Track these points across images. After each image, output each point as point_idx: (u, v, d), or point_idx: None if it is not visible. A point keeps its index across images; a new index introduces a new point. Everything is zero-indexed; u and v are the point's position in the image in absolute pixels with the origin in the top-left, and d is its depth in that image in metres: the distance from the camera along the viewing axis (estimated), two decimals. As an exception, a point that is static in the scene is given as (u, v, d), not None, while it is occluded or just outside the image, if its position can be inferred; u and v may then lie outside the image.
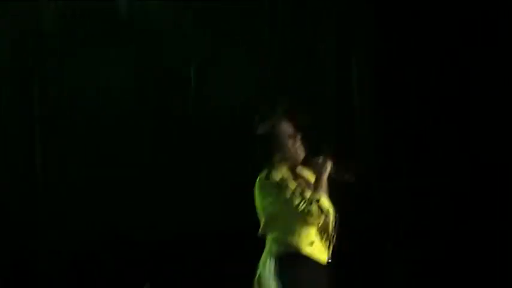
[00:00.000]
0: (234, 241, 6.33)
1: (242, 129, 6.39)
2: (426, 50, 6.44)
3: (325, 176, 4.08)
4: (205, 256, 6.46)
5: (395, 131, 6.42)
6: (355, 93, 6.59)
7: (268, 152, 4.12)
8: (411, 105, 6.47)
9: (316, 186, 4.05)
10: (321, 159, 4.13)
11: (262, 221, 4.08)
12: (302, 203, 3.93)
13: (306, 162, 4.18)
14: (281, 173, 4.05)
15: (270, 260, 4.00)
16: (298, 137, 4.17)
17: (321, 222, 3.98)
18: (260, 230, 4.10)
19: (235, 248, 6.30)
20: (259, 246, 3.98)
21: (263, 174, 4.05)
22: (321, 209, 3.95)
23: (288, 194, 3.96)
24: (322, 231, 4.04)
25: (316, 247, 4.01)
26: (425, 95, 6.43)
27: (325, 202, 4.00)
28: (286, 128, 4.17)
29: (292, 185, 4.03)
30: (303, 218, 3.93)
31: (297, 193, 3.97)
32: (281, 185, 3.98)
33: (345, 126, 6.49)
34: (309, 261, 4.00)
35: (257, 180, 4.07)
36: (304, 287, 3.97)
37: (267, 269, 3.99)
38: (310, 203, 3.94)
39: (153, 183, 6.65)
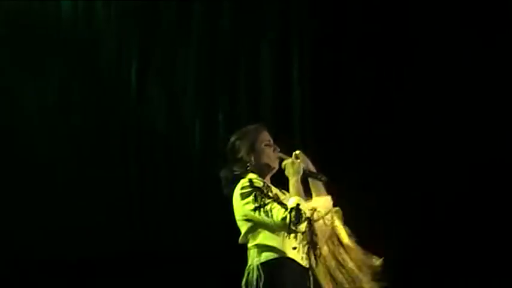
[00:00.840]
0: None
1: (183, 136, 6.53)
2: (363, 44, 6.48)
3: (299, 178, 4.03)
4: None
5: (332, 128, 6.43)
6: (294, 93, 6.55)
7: (246, 159, 4.06)
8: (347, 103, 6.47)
9: (292, 192, 3.98)
10: (292, 161, 4.08)
11: (244, 228, 4.01)
12: (284, 212, 3.85)
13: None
14: (261, 181, 3.99)
15: (255, 266, 3.94)
16: (276, 147, 4.14)
17: (302, 229, 3.89)
18: (240, 238, 4.04)
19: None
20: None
21: (245, 181, 3.98)
22: (301, 214, 3.85)
23: (270, 205, 3.89)
24: (303, 235, 3.96)
25: (298, 252, 3.95)
26: (362, 92, 6.48)
27: (305, 207, 3.92)
28: (266, 136, 4.14)
29: (273, 192, 3.99)
30: (286, 227, 3.85)
31: (279, 201, 3.91)
32: (263, 193, 3.92)
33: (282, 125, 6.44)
34: (293, 266, 3.95)
35: (239, 187, 3.99)
36: (298, 286, 3.93)
37: (253, 276, 3.92)
38: (291, 211, 3.84)
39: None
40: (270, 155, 4.12)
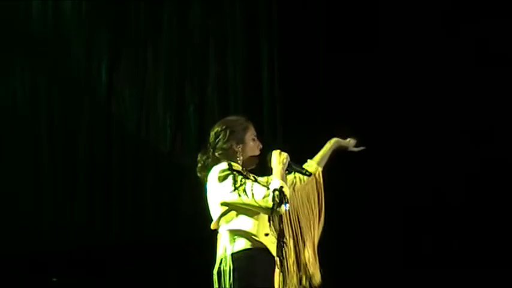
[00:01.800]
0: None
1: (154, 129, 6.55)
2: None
3: (284, 167, 4.05)
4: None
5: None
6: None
7: (235, 149, 4.08)
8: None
9: (277, 176, 4.00)
10: (278, 153, 4.10)
11: (218, 213, 4.01)
12: (266, 189, 3.88)
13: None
14: (239, 166, 4.03)
15: (227, 252, 3.94)
16: (259, 143, 4.17)
17: (283, 211, 3.92)
18: (213, 223, 4.04)
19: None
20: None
21: (223, 165, 3.98)
22: (285, 196, 3.89)
23: (251, 184, 3.92)
24: (274, 223, 3.99)
25: (270, 238, 3.98)
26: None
27: (287, 190, 3.95)
28: (253, 129, 4.16)
29: (252, 178, 4.03)
30: (266, 208, 3.88)
31: (260, 184, 3.95)
32: (242, 175, 3.94)
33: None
34: (264, 255, 3.97)
35: (216, 170, 3.99)
36: (262, 277, 3.94)
37: (226, 262, 3.93)
38: (274, 191, 3.88)
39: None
40: (254, 149, 4.14)
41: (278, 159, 4.07)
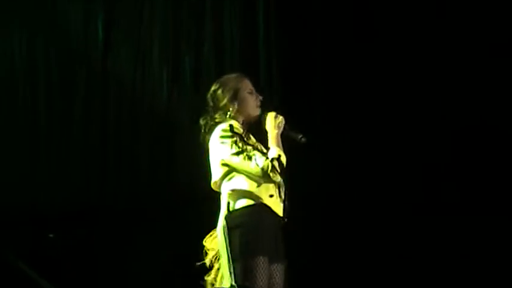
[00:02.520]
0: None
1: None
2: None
3: (279, 132, 4.05)
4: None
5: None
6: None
7: (228, 107, 4.07)
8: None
9: (273, 142, 4.00)
10: (274, 116, 4.09)
11: (219, 173, 4.00)
12: (265, 159, 3.88)
13: (257, 121, 4.15)
14: (241, 128, 4.01)
15: (230, 209, 3.94)
16: (258, 96, 4.16)
17: (280, 179, 3.94)
18: (213, 183, 4.03)
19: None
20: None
21: (225, 126, 3.98)
22: (282, 165, 3.90)
23: (249, 151, 3.92)
24: (279, 185, 4.00)
25: (275, 200, 3.97)
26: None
27: (284, 158, 3.95)
28: (248, 84, 4.15)
29: (252, 141, 4.03)
30: (264, 177, 3.88)
31: (258, 151, 3.95)
32: (243, 140, 3.94)
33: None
34: (268, 213, 3.95)
35: (218, 131, 3.98)
36: (266, 237, 3.92)
37: (228, 222, 3.91)
38: (272, 160, 3.89)
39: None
40: (252, 103, 4.13)
41: (273, 123, 4.06)
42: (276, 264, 3.97)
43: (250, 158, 3.88)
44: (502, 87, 6.14)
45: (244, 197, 3.94)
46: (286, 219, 4.02)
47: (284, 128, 4.08)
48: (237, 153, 3.90)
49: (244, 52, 6.58)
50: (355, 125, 6.31)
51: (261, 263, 3.85)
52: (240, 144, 3.92)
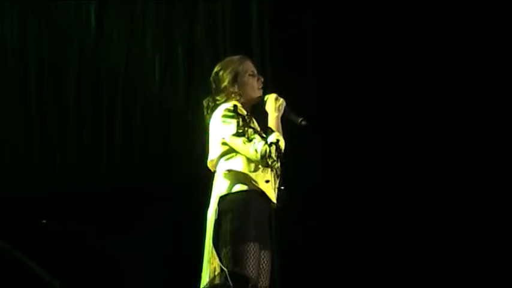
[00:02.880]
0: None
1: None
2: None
3: (279, 115, 4.00)
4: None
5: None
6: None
7: (230, 88, 4.03)
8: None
9: (273, 125, 3.96)
10: (276, 96, 4.05)
11: (218, 151, 3.95)
12: (263, 144, 3.84)
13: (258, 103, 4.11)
14: (244, 110, 3.97)
15: (223, 193, 3.89)
16: (260, 78, 4.12)
17: (278, 164, 3.91)
18: (210, 161, 3.99)
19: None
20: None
21: (229, 106, 3.93)
22: (279, 149, 3.87)
23: (250, 134, 3.87)
24: (276, 172, 3.97)
25: (270, 186, 3.94)
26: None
27: (283, 143, 3.92)
28: (249, 66, 4.12)
29: (254, 124, 3.98)
30: (262, 162, 3.85)
31: (259, 133, 3.91)
32: (245, 122, 3.89)
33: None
34: (262, 199, 3.92)
35: (221, 109, 3.94)
36: (258, 224, 3.88)
37: (220, 205, 3.87)
38: (270, 145, 3.84)
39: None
40: (254, 85, 4.09)
41: (274, 105, 4.02)
42: (266, 251, 3.94)
43: (250, 141, 3.85)
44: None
45: (239, 180, 3.90)
46: (278, 205, 4.00)
47: (285, 110, 4.04)
48: (238, 135, 3.86)
49: (237, 36, 6.54)
50: (349, 105, 6.28)
51: (251, 249, 3.82)
52: (242, 126, 3.88)
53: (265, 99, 4.08)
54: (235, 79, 4.06)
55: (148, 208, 6.29)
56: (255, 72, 4.13)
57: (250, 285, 3.82)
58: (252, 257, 3.82)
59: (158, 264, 6.23)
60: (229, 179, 3.91)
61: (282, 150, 3.89)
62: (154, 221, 6.26)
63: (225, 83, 4.05)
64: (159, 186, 6.37)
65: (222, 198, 3.89)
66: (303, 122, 4.02)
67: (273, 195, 3.96)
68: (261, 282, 3.92)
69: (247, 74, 4.08)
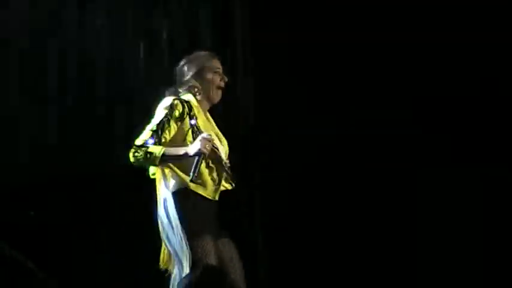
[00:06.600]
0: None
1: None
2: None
3: (198, 152, 3.89)
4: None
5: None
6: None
7: (191, 83, 4.10)
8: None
9: (189, 148, 3.92)
10: (206, 140, 3.93)
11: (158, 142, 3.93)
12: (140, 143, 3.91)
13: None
14: (196, 107, 4.03)
15: (169, 196, 3.93)
16: (224, 77, 4.16)
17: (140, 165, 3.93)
18: (141, 141, 3.94)
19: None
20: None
21: (171, 99, 3.98)
22: (147, 159, 3.87)
23: (166, 135, 3.93)
24: (215, 168, 4.00)
25: (206, 183, 3.97)
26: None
27: (157, 159, 3.88)
28: (216, 63, 4.17)
29: (201, 121, 4.02)
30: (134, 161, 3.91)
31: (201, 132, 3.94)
32: (169, 118, 3.93)
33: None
34: (198, 196, 3.94)
35: (164, 100, 4.01)
36: (204, 221, 3.92)
37: (168, 204, 3.92)
38: (141, 147, 3.89)
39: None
40: (216, 84, 4.13)
41: (203, 143, 3.88)
42: (220, 240, 3.96)
43: (141, 133, 3.92)
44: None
45: (175, 177, 3.94)
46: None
47: (200, 156, 3.89)
48: (152, 130, 3.92)
49: (218, 28, 6.60)
50: (337, 99, 6.35)
51: (207, 238, 3.85)
52: (163, 124, 3.92)
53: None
54: (198, 74, 4.11)
55: (129, 196, 6.31)
56: (220, 71, 4.16)
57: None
58: (210, 243, 3.86)
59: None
60: (168, 178, 3.97)
61: (151, 161, 3.88)
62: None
63: (188, 77, 4.11)
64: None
65: (165, 199, 3.95)
66: (193, 178, 3.87)
67: (210, 193, 3.97)
68: (232, 275, 3.94)
69: (212, 71, 4.13)
